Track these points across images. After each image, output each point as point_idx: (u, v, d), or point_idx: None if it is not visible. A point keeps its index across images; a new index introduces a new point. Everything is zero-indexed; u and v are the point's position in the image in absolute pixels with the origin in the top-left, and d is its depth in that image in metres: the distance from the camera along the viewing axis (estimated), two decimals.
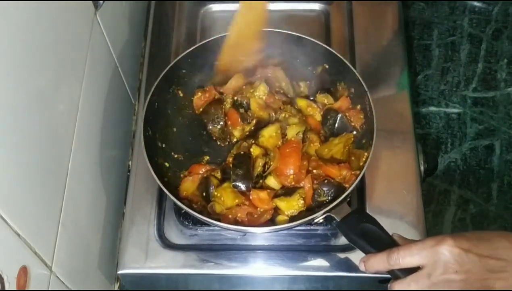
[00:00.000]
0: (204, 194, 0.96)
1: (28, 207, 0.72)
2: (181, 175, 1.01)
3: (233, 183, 0.93)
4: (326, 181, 0.94)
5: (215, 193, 0.94)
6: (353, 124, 1.00)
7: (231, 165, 0.95)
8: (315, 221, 0.91)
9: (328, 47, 1.03)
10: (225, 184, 0.94)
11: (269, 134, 0.99)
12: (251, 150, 0.97)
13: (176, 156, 1.04)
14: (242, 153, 0.97)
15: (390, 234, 0.82)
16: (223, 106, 1.05)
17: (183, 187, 0.98)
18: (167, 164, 1.01)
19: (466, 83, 1.61)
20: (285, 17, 1.23)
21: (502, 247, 0.71)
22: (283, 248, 0.97)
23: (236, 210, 0.93)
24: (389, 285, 0.78)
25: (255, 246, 0.98)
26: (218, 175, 0.98)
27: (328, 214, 0.88)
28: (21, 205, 0.70)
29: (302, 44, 1.05)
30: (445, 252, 0.71)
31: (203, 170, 1.00)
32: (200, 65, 1.08)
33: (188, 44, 1.18)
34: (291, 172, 0.95)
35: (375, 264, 0.77)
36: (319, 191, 0.94)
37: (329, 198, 0.93)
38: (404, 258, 0.74)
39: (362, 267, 0.79)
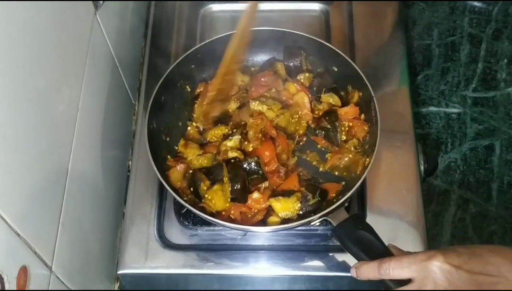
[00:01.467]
0: (192, 189, 0.95)
1: (28, 207, 0.72)
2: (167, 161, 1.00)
3: (231, 197, 0.92)
4: (307, 184, 0.94)
5: (207, 196, 0.93)
6: (356, 135, 1.01)
7: (226, 177, 0.93)
8: (312, 224, 0.91)
9: (337, 50, 1.03)
10: (216, 187, 0.93)
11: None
12: (235, 155, 0.97)
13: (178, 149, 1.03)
14: (232, 160, 0.96)
15: (390, 238, 0.82)
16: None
17: (173, 178, 0.96)
18: (169, 157, 1.01)
19: (466, 83, 1.61)
20: (285, 17, 1.23)
21: (493, 263, 0.71)
22: (283, 248, 0.97)
23: (229, 209, 0.93)
24: None
25: (255, 246, 0.98)
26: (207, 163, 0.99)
27: (325, 218, 0.88)
28: (21, 205, 0.70)
29: (312, 45, 1.05)
30: (435, 269, 0.71)
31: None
32: (210, 60, 1.08)
33: (188, 44, 1.18)
34: (268, 155, 0.96)
35: (366, 272, 0.77)
36: (306, 194, 0.93)
37: (318, 198, 0.93)
38: (394, 269, 0.74)
39: (353, 274, 0.80)
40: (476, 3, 1.71)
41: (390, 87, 1.11)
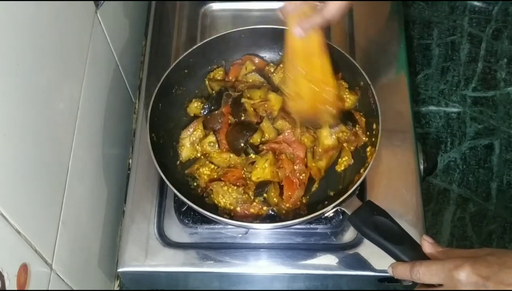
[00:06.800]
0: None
1: (29, 205, 0.72)
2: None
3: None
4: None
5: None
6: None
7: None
8: (325, 215, 0.91)
9: (337, 47, 1.03)
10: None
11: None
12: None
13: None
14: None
15: (421, 236, 0.81)
16: None
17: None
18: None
19: (466, 82, 1.61)
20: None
21: None
22: (282, 247, 0.98)
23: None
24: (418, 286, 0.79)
25: (255, 244, 0.98)
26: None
27: (338, 207, 0.88)
28: (22, 203, 0.70)
29: None
30: (462, 279, 0.69)
31: None
32: (208, 60, 1.08)
33: (188, 43, 1.19)
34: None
35: (400, 272, 0.78)
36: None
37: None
38: (424, 275, 0.73)
39: (390, 272, 0.80)
40: (476, 3, 1.71)
41: (390, 87, 1.11)
